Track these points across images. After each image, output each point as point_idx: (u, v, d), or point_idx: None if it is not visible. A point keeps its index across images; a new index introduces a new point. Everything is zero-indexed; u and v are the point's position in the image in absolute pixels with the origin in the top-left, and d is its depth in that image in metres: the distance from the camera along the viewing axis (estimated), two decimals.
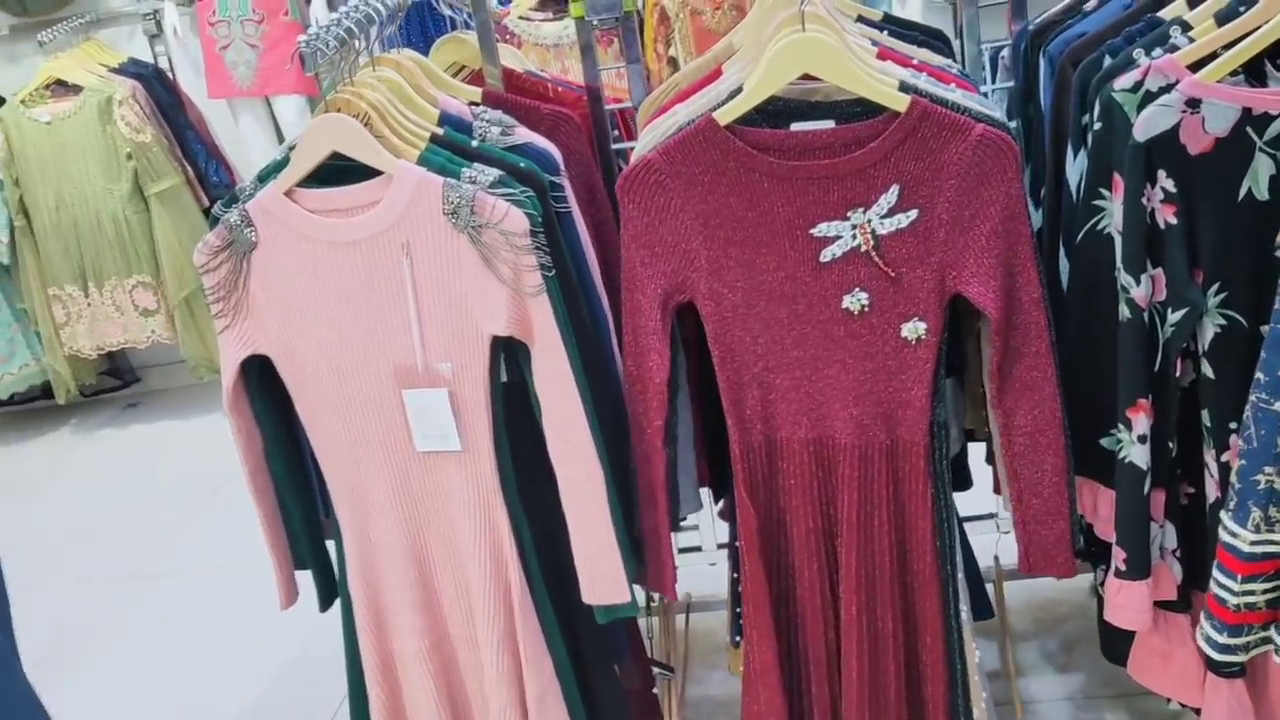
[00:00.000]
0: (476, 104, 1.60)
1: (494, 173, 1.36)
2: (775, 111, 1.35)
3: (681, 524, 1.61)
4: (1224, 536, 1.16)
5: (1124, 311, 1.36)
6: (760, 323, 1.38)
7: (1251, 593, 1.12)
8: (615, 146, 1.78)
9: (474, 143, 1.46)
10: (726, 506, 1.77)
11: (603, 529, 1.43)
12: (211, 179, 4.07)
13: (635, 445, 1.47)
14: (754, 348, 1.39)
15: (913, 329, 1.34)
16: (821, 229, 1.33)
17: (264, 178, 1.45)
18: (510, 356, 1.44)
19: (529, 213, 1.33)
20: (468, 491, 1.46)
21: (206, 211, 3.99)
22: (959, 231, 1.30)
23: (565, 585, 1.55)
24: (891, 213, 1.31)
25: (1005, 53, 1.83)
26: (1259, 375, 1.11)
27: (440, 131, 1.46)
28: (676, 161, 1.34)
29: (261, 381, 1.50)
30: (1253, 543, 1.12)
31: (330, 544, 1.64)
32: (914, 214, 1.30)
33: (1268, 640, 1.29)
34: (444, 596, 1.52)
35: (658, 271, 1.38)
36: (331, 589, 1.64)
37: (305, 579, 1.62)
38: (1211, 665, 1.46)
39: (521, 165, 1.42)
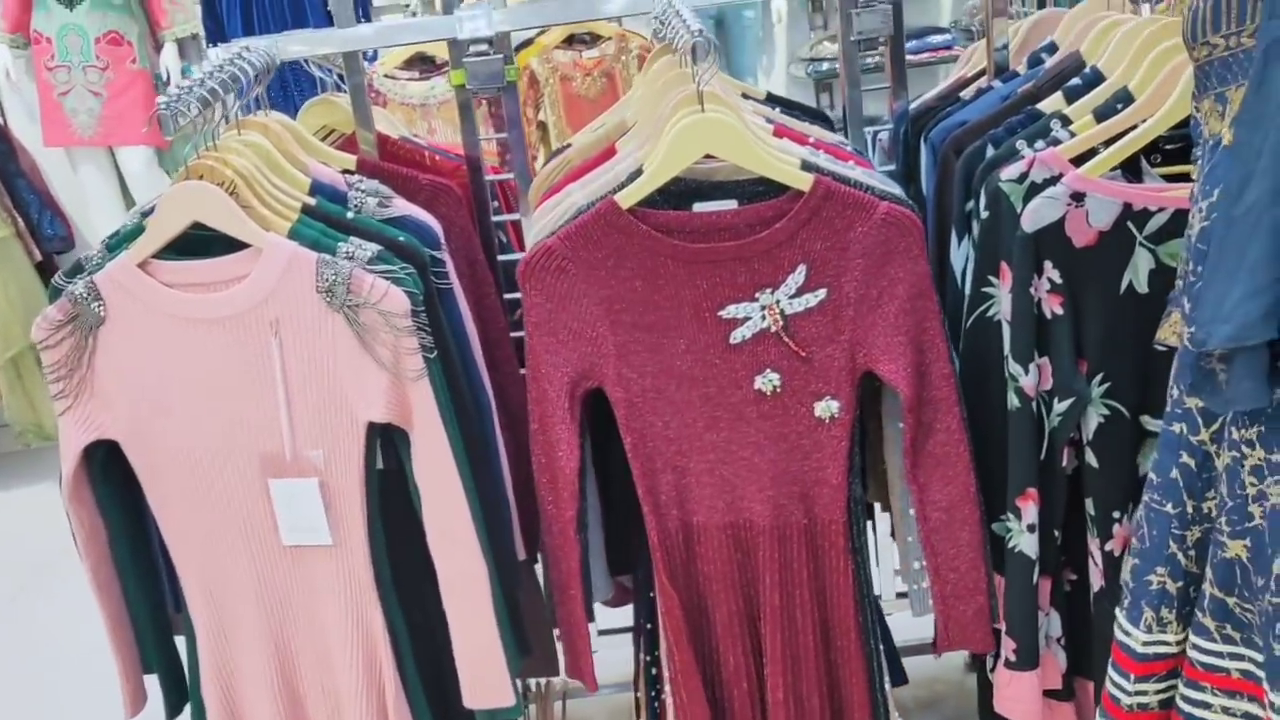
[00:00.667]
0: (350, 172, 1.52)
1: (372, 248, 1.28)
2: (677, 192, 1.31)
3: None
4: (1118, 635, 1.16)
5: (1013, 400, 1.37)
6: (671, 407, 1.33)
7: (1144, 692, 1.12)
8: (496, 219, 1.71)
9: (349, 214, 1.37)
10: (632, 590, 1.71)
11: (485, 629, 1.34)
12: (45, 231, 3.81)
13: (546, 537, 1.40)
14: (665, 433, 1.35)
15: (825, 408, 1.32)
16: (730, 311, 1.30)
17: (113, 247, 1.33)
18: (387, 442, 1.35)
19: (410, 291, 1.26)
20: (339, 587, 1.35)
21: (40, 266, 3.74)
22: (867, 309, 1.28)
23: (443, 683, 1.45)
24: (800, 292, 1.28)
25: (884, 135, 1.86)
26: (1151, 476, 1.12)
27: (312, 202, 1.37)
28: (578, 246, 1.29)
29: (106, 466, 1.36)
30: (1145, 643, 1.12)
31: (179, 639, 1.50)
32: (822, 293, 1.28)
33: None
34: (309, 701, 1.40)
35: (563, 359, 1.33)
36: (182, 693, 1.49)
37: (151, 682, 1.47)
38: None
39: (401, 239, 1.35)
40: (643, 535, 1.51)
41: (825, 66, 4.15)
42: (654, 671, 1.64)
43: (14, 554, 3.23)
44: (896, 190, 1.32)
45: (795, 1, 4.38)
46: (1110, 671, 1.17)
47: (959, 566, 1.40)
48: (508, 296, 1.72)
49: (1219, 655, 1.05)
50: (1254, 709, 1.09)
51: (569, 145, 1.67)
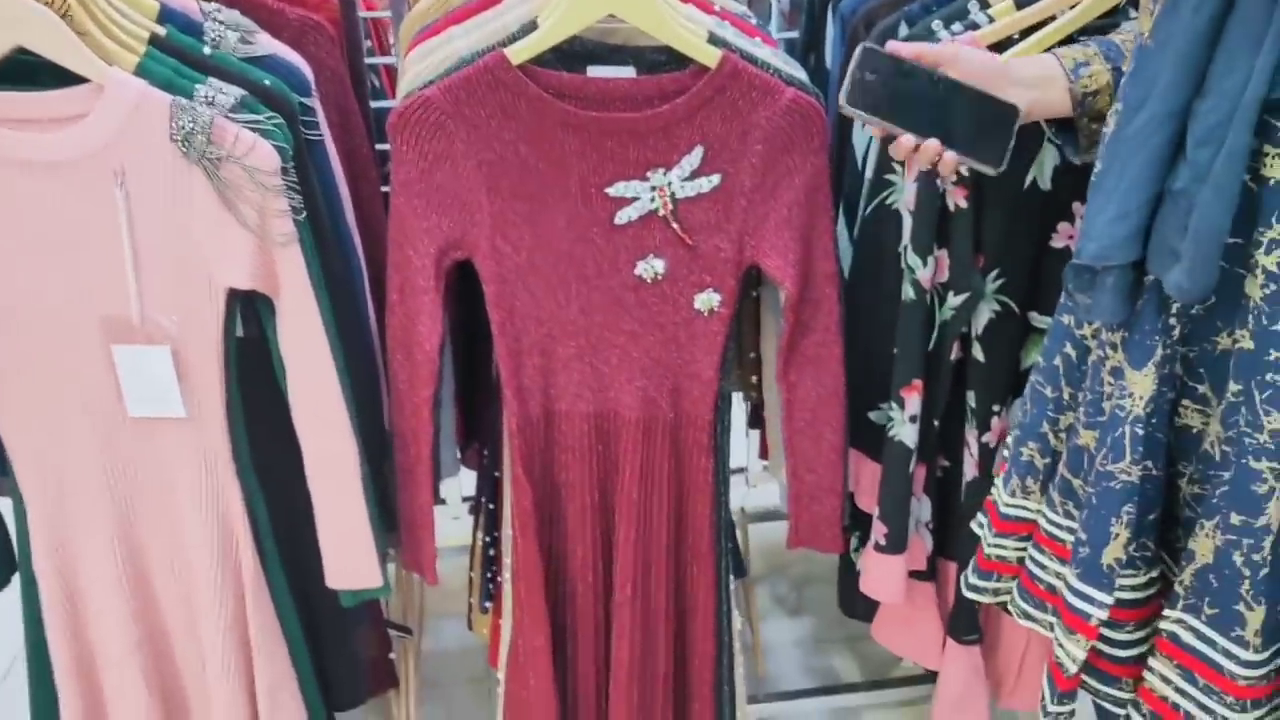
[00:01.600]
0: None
1: (235, 93, 1.13)
2: (570, 53, 1.20)
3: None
4: (992, 494, 1.20)
5: (907, 292, 1.35)
6: (544, 286, 1.25)
7: (1003, 546, 1.17)
8: (369, 61, 1.56)
9: (206, 50, 1.21)
10: (474, 455, 1.65)
11: (353, 510, 1.27)
12: None
13: (397, 417, 1.31)
14: (536, 313, 1.27)
15: (706, 300, 1.26)
16: (618, 188, 1.21)
17: None
18: (248, 307, 1.23)
19: (279, 145, 1.13)
20: (192, 462, 1.25)
21: None
22: (760, 200, 1.22)
23: (301, 559, 1.38)
24: (694, 176, 1.21)
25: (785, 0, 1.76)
26: (1039, 360, 1.13)
27: (162, 32, 1.19)
28: (460, 101, 1.17)
29: None
30: (1007, 504, 1.16)
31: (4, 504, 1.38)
32: (716, 179, 1.21)
33: (1008, 593, 1.36)
34: (156, 580, 1.31)
35: (433, 225, 1.22)
36: (9, 563, 1.38)
37: None
38: (953, 624, 1.53)
39: (266, 83, 1.20)
40: (494, 409, 1.45)
41: None
42: (491, 553, 1.61)
43: None
44: (802, 75, 1.24)
45: None
46: (980, 517, 1.21)
47: (817, 468, 1.39)
48: (379, 148, 1.59)
49: (1060, 527, 1.09)
50: None
51: None
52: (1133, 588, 1.04)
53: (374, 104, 1.57)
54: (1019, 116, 1.08)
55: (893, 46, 1.08)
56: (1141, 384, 0.96)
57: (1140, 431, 0.97)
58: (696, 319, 1.28)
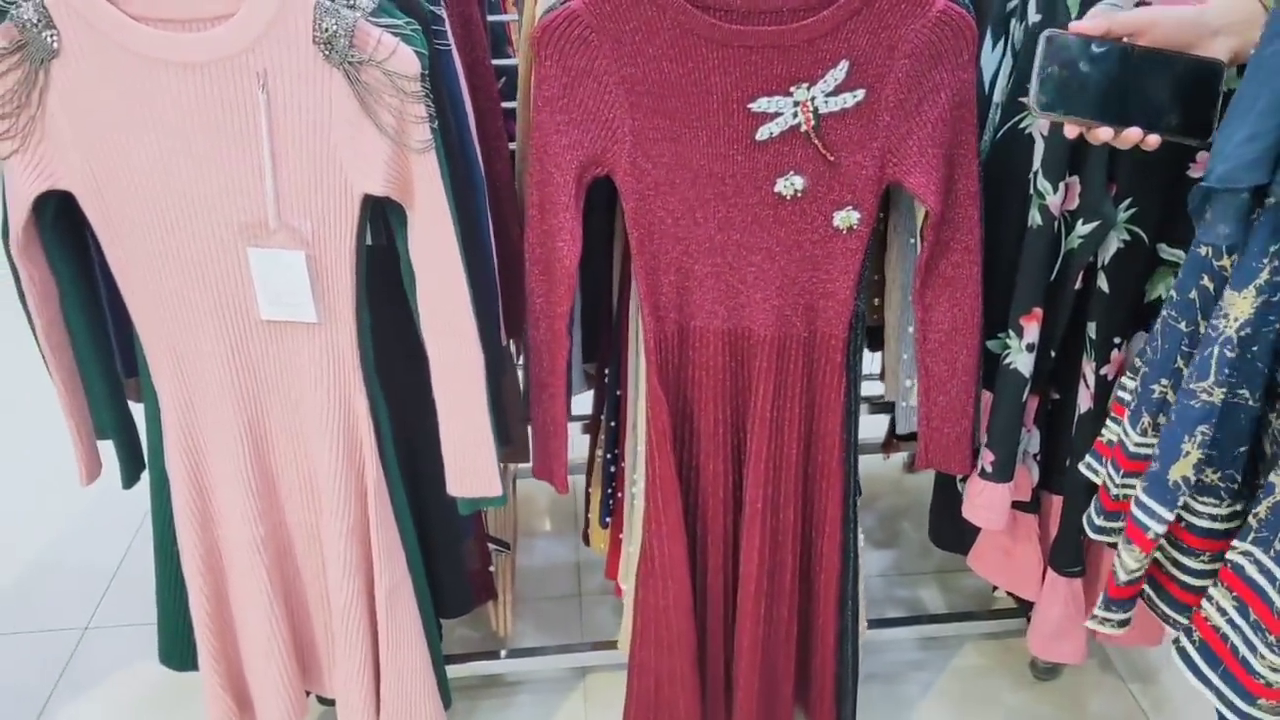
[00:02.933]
0: None
1: None
2: None
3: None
4: (1119, 436, 1.19)
5: (1034, 218, 1.32)
6: (683, 203, 1.24)
7: (1130, 486, 1.16)
8: None
9: None
10: (597, 384, 1.67)
11: (478, 418, 1.28)
12: None
13: (533, 331, 1.33)
14: (674, 230, 1.26)
15: (845, 218, 1.25)
16: (760, 104, 1.19)
17: None
18: (377, 216, 1.24)
19: (419, 51, 1.12)
20: (321, 367, 1.27)
21: None
22: (904, 116, 1.20)
23: (417, 468, 1.41)
24: (838, 91, 1.19)
25: None
26: (1171, 293, 1.11)
27: None
28: (604, 15, 1.15)
29: (60, 218, 1.23)
30: (1136, 444, 1.15)
31: (134, 406, 1.42)
32: (860, 94, 1.19)
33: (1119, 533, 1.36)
34: (282, 480, 1.34)
35: (574, 140, 1.21)
36: (139, 462, 1.42)
37: (107, 450, 1.40)
38: (1056, 556, 1.52)
39: None
40: (616, 328, 1.46)
41: None
42: (612, 469, 1.62)
43: None
44: None
45: None
46: (1108, 468, 1.20)
47: (950, 389, 1.39)
48: (495, 63, 1.58)
49: (1143, 446, 1.09)
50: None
51: None
52: (1213, 517, 1.03)
53: (492, 18, 1.56)
54: (1224, 73, 1.03)
55: (1077, 26, 1.03)
56: (1239, 305, 0.95)
57: (1230, 354, 0.95)
58: (835, 237, 1.27)
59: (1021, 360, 1.38)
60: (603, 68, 1.18)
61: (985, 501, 1.48)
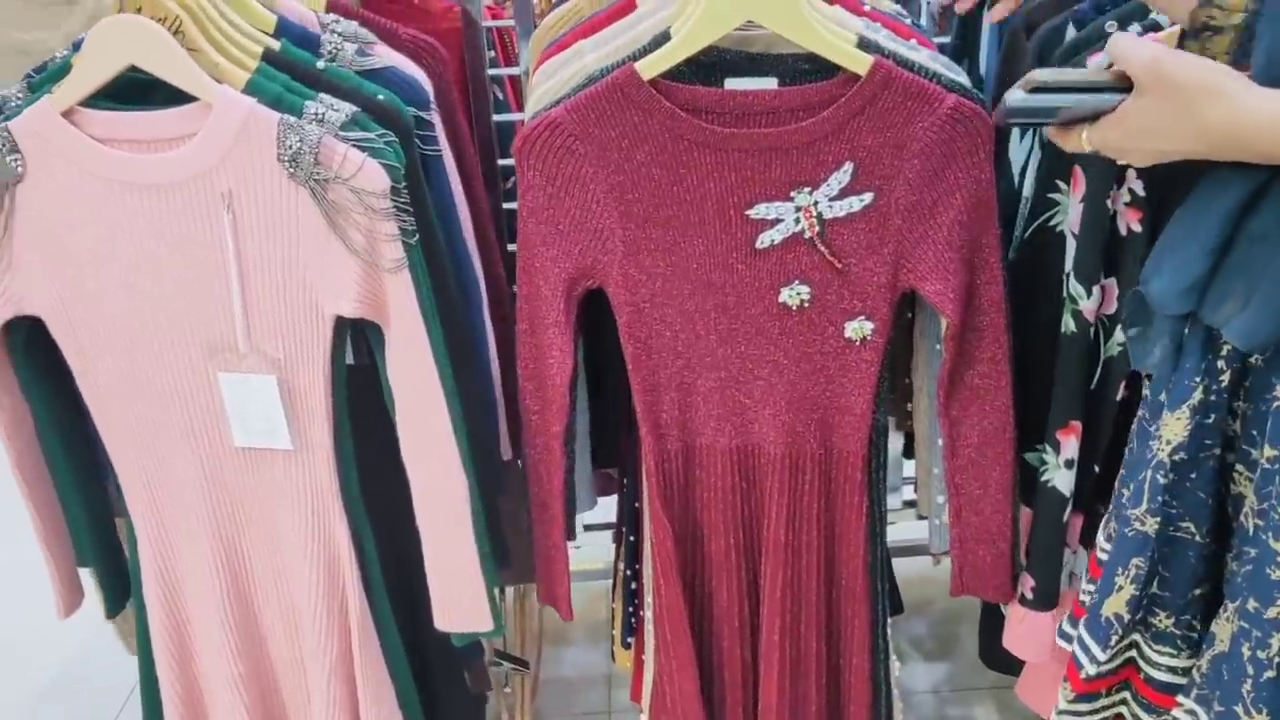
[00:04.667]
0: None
1: (346, 109, 1.07)
2: (707, 64, 1.10)
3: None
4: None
5: (1068, 324, 1.20)
6: (682, 316, 1.16)
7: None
8: (493, 72, 1.49)
9: (320, 64, 1.15)
10: (614, 482, 1.58)
11: (463, 548, 1.20)
12: None
13: (529, 449, 1.25)
14: (673, 344, 1.17)
15: (858, 328, 1.15)
16: (760, 210, 1.11)
17: (36, 87, 1.11)
18: (358, 334, 1.18)
19: (389, 164, 1.06)
20: (298, 495, 1.19)
21: None
22: (918, 219, 1.10)
23: (415, 601, 1.32)
24: (843, 194, 1.09)
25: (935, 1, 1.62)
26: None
27: (276, 46, 1.15)
28: (589, 122, 1.08)
29: (30, 343, 1.18)
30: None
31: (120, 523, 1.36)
32: (868, 197, 1.09)
33: None
34: (264, 614, 1.26)
35: (562, 253, 1.14)
36: (123, 590, 1.36)
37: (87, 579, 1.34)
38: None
39: (380, 97, 1.14)
40: (633, 437, 1.37)
41: None
42: (633, 586, 1.52)
43: None
44: (963, 79, 1.11)
45: None
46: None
47: (983, 509, 1.26)
48: (501, 163, 1.52)
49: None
50: None
51: None
52: (1172, 670, 0.95)
53: (497, 117, 1.51)
54: None
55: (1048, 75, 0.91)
56: (1172, 426, 0.89)
57: (1161, 479, 0.89)
58: (847, 348, 1.17)
59: (1060, 478, 1.25)
60: (589, 175, 1.10)
61: (1027, 630, 1.34)
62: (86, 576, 1.33)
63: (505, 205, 1.53)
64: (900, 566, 2.05)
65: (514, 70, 1.62)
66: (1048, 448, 1.26)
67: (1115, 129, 0.85)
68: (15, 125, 1.06)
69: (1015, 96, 0.88)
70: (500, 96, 1.59)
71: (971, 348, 1.17)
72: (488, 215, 1.41)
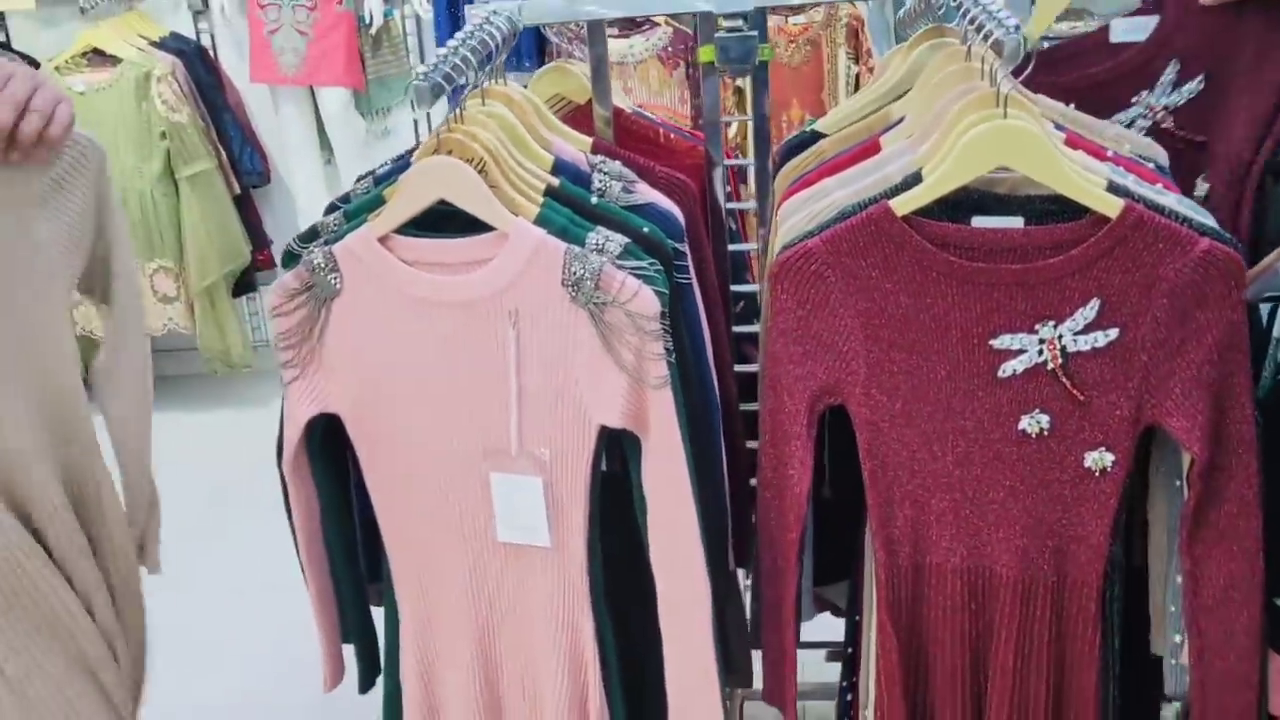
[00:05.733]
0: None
1: (621, 240, 1.19)
2: (954, 202, 1.18)
3: None
4: None
5: None
6: (920, 437, 1.21)
7: None
8: (728, 206, 1.61)
9: (593, 199, 1.29)
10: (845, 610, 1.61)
11: (702, 653, 1.26)
12: (245, 165, 3.89)
13: (765, 556, 1.31)
14: (910, 464, 1.23)
15: (1098, 459, 1.18)
16: (1003, 340, 1.16)
17: (352, 215, 1.28)
18: (613, 445, 1.27)
19: (660, 291, 1.17)
20: (552, 592, 1.28)
21: (237, 199, 3.82)
22: (1165, 356, 1.13)
23: (642, 700, 1.38)
24: (1088, 329, 1.14)
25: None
26: None
27: (556, 183, 1.29)
28: (841, 252, 1.17)
29: (325, 441, 1.33)
30: None
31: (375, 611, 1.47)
32: (1114, 333, 1.13)
33: None
34: (508, 702, 1.35)
35: (808, 371, 1.22)
36: (376, 667, 1.47)
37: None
38: None
39: (646, 230, 1.25)
40: (853, 550, 1.40)
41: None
42: (848, 698, 1.54)
43: (197, 476, 3.29)
44: (1213, 223, 1.15)
45: None
46: None
47: (1228, 655, 1.23)
48: (733, 289, 1.62)
49: None
50: None
51: (816, 131, 1.54)
52: None
53: (731, 247, 1.61)
54: None
55: None
56: None
57: None
58: (1086, 478, 1.19)
59: None
60: (838, 301, 1.18)
61: None
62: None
63: (735, 328, 1.62)
64: None
65: (746, 205, 1.74)
66: None
67: None
68: (338, 248, 1.22)
69: None
70: (733, 228, 1.70)
71: (1219, 487, 1.17)
72: (725, 339, 1.51)
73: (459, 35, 1.30)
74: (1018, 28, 1.08)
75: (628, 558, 1.32)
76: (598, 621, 1.29)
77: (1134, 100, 1.60)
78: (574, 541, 1.26)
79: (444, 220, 1.22)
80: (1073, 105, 1.43)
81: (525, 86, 1.54)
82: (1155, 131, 1.57)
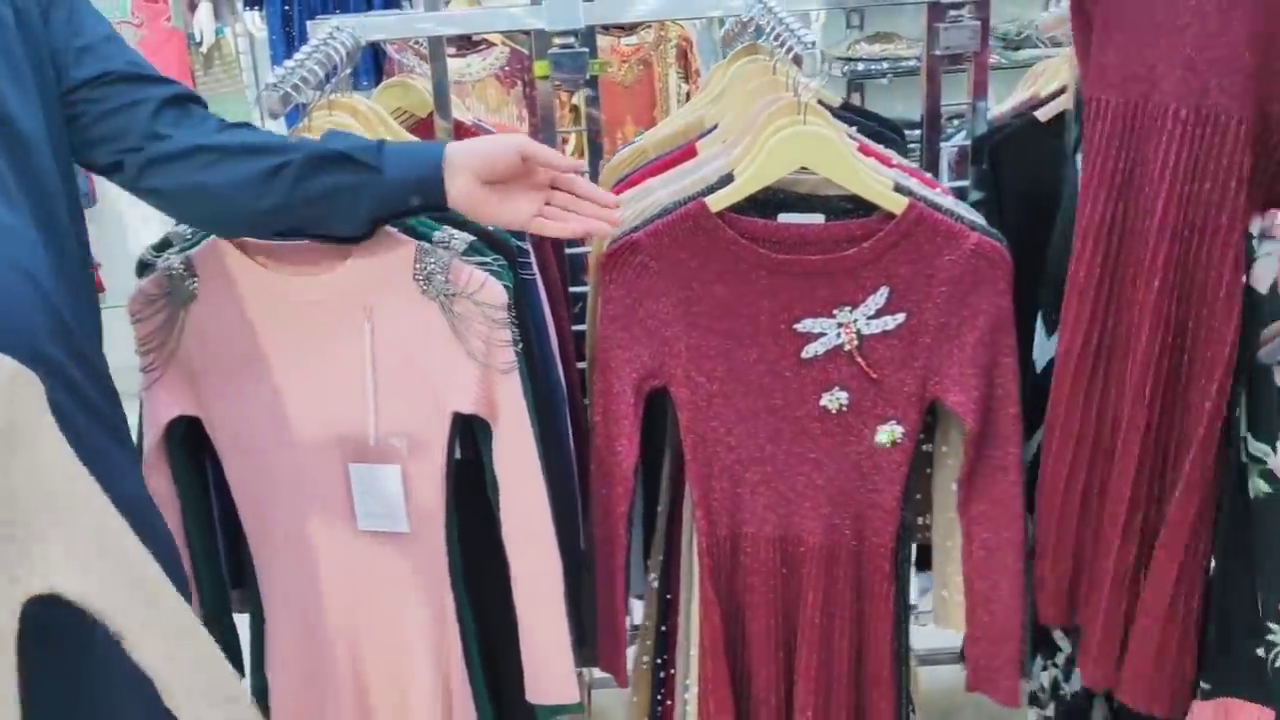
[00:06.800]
0: None
1: (466, 237, 1.28)
2: (763, 201, 1.32)
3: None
4: None
5: (1258, 487, 1.18)
6: (735, 414, 1.34)
7: None
8: None
9: None
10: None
11: (556, 625, 1.35)
12: None
13: (598, 529, 1.41)
14: (727, 439, 1.35)
15: (889, 432, 1.33)
16: (806, 325, 1.30)
17: None
18: (464, 432, 1.36)
19: (505, 284, 1.26)
20: (413, 575, 1.35)
21: None
22: (945, 338, 1.29)
23: (500, 675, 1.47)
24: (879, 314, 1.29)
25: (953, 150, 1.84)
26: None
27: None
28: (664, 244, 1.29)
29: (183, 439, 1.37)
30: None
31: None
32: (901, 317, 1.29)
33: None
34: (374, 685, 1.41)
35: (634, 355, 1.33)
36: (240, 670, 1.50)
37: None
38: None
39: (490, 229, 1.35)
40: (667, 537, 1.51)
41: (860, 67, 4.17)
42: (662, 675, 1.64)
43: None
44: (983, 220, 1.32)
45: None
46: None
47: (994, 609, 1.39)
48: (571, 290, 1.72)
49: None
50: None
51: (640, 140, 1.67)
52: None
53: (570, 250, 1.72)
54: None
55: None
56: None
57: None
58: (879, 450, 1.34)
59: None
60: (661, 290, 1.31)
61: None
62: None
63: (575, 328, 1.72)
64: (932, 674, 2.16)
65: None
66: (1272, 625, 1.19)
67: None
68: (195, 253, 1.27)
69: None
70: None
71: (988, 454, 1.34)
72: (568, 333, 1.61)
73: (304, 50, 1.37)
74: (814, 44, 1.22)
75: (483, 540, 1.41)
76: (458, 601, 1.37)
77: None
78: (432, 525, 1.34)
79: None
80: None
81: None
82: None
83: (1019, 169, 1.65)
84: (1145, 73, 1.19)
